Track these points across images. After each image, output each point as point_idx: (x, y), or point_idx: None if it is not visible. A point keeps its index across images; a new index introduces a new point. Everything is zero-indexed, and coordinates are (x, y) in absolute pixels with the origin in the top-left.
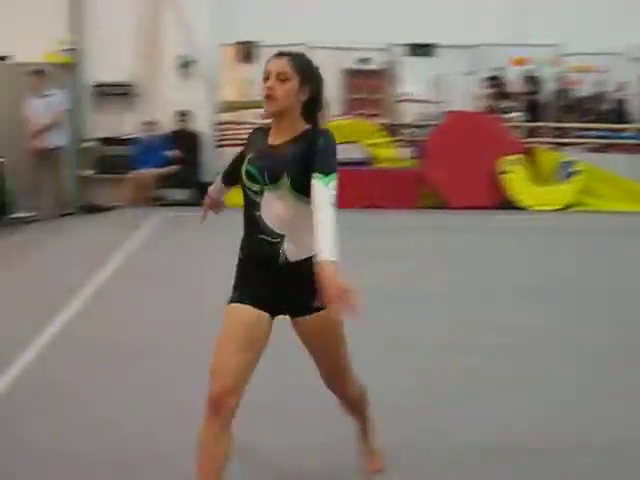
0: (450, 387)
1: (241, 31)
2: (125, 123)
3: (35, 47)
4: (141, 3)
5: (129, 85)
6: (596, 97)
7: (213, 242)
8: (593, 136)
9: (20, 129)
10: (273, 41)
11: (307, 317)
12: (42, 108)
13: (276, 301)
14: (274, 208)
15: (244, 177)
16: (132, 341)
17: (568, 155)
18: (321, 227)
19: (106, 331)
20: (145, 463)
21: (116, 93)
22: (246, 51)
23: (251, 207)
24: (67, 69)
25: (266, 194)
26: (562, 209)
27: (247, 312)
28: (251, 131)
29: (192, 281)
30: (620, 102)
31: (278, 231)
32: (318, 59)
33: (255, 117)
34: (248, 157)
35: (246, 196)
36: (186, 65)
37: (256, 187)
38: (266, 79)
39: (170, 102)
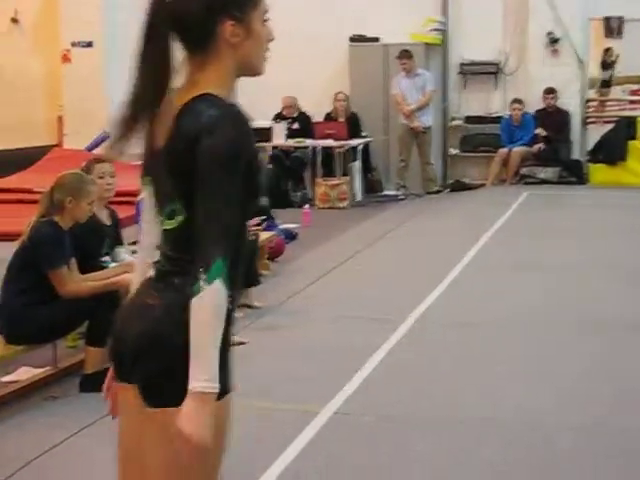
0: None
1: (607, 6)
2: (492, 101)
3: (404, 27)
4: None
5: (496, 64)
6: None
7: (581, 219)
8: None
9: (389, 109)
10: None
11: None
12: (411, 88)
13: None
14: None
15: None
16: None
17: None
18: None
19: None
20: None
21: (483, 72)
22: (613, 26)
23: None
24: (435, 49)
25: None
26: None
27: None
28: None
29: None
30: None
31: None
32: None
33: (624, 93)
34: None
35: None
36: (554, 42)
37: None
38: None
39: (538, 80)
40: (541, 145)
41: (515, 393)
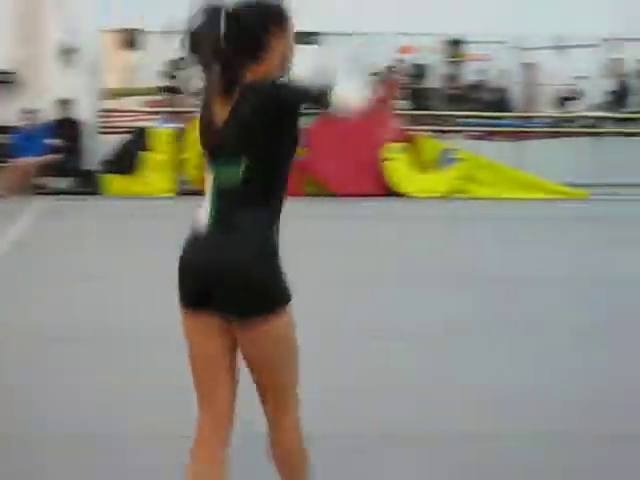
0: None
1: (123, 17)
2: (5, 111)
3: None
4: None
5: (8, 72)
6: (479, 85)
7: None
8: (475, 124)
9: None
10: (156, 28)
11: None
12: None
13: None
14: None
15: None
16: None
17: (450, 143)
18: None
19: None
20: None
21: None
22: (129, 38)
23: None
24: None
25: None
26: (443, 196)
27: None
28: None
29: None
30: (502, 90)
31: None
32: None
33: (139, 104)
34: None
35: None
36: (67, 52)
37: None
38: None
39: (51, 89)
40: (55, 155)
41: None
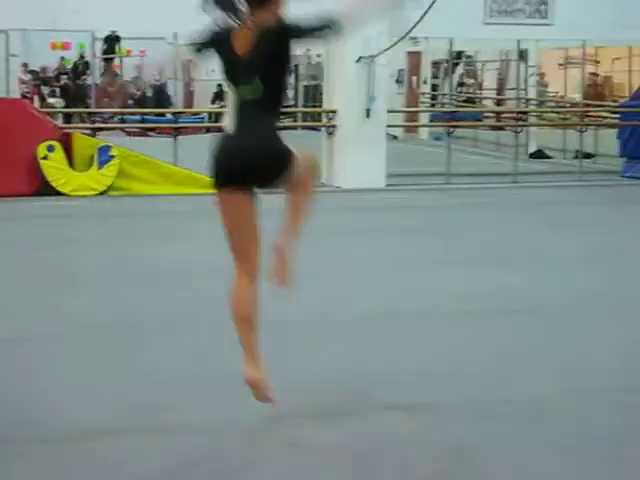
0: None
1: None
2: None
3: None
4: None
5: None
6: (136, 81)
7: None
8: (133, 120)
9: None
10: None
11: None
12: None
13: None
14: None
15: None
16: None
17: (106, 140)
18: None
19: None
20: None
21: None
22: None
23: None
24: None
25: None
26: (101, 193)
27: None
28: None
29: None
30: (159, 86)
31: None
32: None
33: None
34: None
35: None
36: None
37: None
38: None
39: None
40: None
41: None
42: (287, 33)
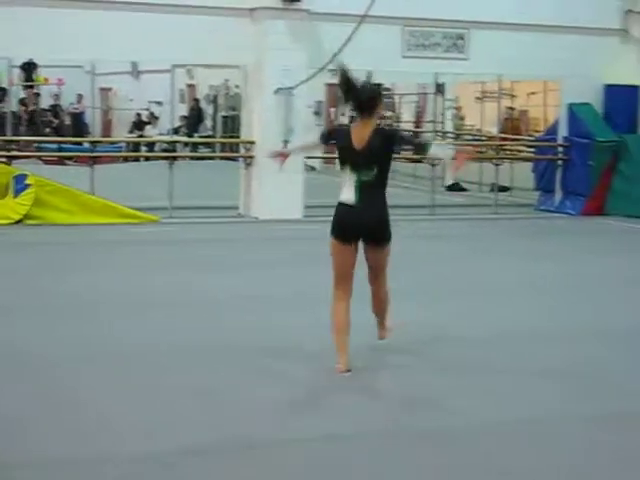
0: None
1: None
2: None
3: None
4: None
5: None
6: (54, 109)
7: None
8: (51, 149)
9: None
10: None
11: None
12: None
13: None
14: None
15: None
16: None
17: (22, 168)
18: None
19: None
20: None
21: None
22: None
23: None
24: None
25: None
26: (17, 222)
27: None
28: None
29: None
30: (76, 115)
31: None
32: None
33: None
34: None
35: None
36: None
37: None
38: None
39: None
40: None
41: None
42: (394, 139)
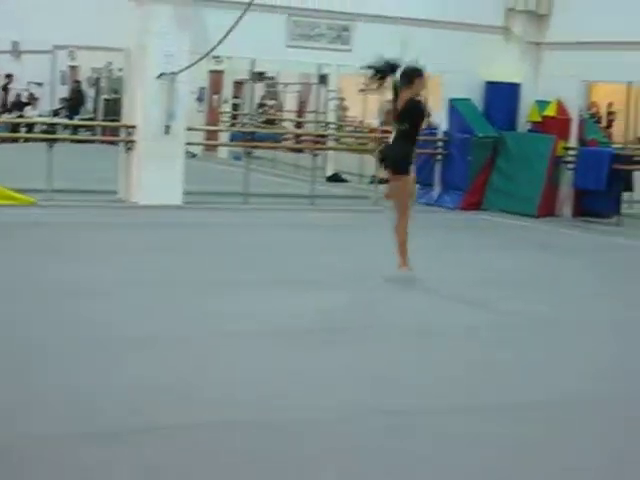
0: None
1: None
2: None
3: None
4: None
5: None
6: None
7: None
8: None
9: None
10: None
11: None
12: None
13: None
14: None
15: None
16: None
17: None
18: None
19: None
20: None
21: None
22: None
23: None
24: None
25: None
26: None
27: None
28: None
29: None
30: None
31: None
32: None
33: None
34: None
35: None
36: None
37: None
38: None
39: None
40: None
41: None
42: (419, 107)
